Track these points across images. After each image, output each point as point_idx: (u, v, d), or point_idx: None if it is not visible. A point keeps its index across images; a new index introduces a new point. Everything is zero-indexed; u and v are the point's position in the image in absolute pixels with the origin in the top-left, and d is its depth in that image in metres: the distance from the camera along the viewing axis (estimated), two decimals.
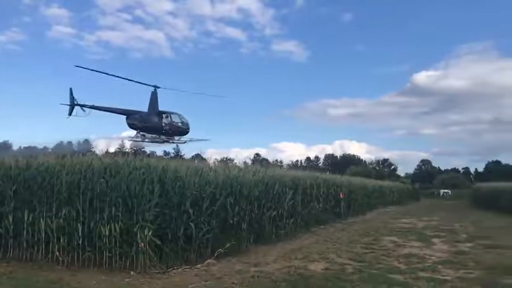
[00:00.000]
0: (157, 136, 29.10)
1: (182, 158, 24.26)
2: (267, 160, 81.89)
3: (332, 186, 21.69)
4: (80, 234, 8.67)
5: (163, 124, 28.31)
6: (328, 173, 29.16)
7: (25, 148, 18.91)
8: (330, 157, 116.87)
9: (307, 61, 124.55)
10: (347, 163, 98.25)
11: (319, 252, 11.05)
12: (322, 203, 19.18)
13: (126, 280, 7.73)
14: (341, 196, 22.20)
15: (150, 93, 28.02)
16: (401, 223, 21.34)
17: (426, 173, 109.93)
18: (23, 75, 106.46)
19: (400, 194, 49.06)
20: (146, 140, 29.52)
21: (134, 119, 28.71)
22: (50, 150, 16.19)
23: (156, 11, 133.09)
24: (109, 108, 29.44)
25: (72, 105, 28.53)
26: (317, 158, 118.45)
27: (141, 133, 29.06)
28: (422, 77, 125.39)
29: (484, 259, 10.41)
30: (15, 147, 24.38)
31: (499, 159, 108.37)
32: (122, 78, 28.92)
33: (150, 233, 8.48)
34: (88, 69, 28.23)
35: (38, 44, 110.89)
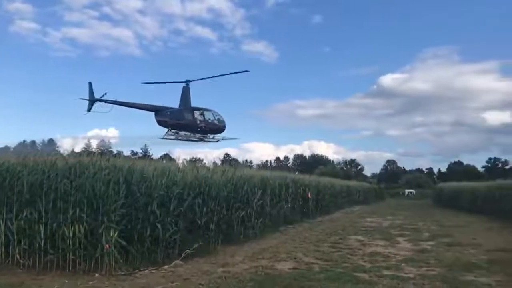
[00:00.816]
0: (192, 134, 27.82)
1: (150, 158, 23.90)
2: (236, 160, 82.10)
3: (301, 186, 21.95)
4: (42, 236, 8.36)
5: (198, 122, 27.18)
6: (297, 173, 29.35)
7: None
8: (299, 157, 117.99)
9: (277, 62, 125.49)
10: (315, 163, 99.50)
11: (287, 252, 11.15)
12: (290, 203, 19.37)
13: (90, 283, 7.56)
14: (309, 196, 22.47)
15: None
16: (367, 222, 21.83)
17: (391, 173, 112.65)
18: None
19: (366, 194, 50.12)
20: (180, 138, 28.18)
21: (164, 115, 27.02)
22: (12, 150, 15.60)
23: (125, 8, 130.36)
24: (135, 103, 27.61)
25: (92, 100, 26.65)
26: (286, 158, 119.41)
27: (172, 130, 27.50)
28: (388, 80, 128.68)
29: (445, 256, 10.81)
30: None
31: (460, 159, 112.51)
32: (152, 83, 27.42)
33: (116, 234, 8.32)
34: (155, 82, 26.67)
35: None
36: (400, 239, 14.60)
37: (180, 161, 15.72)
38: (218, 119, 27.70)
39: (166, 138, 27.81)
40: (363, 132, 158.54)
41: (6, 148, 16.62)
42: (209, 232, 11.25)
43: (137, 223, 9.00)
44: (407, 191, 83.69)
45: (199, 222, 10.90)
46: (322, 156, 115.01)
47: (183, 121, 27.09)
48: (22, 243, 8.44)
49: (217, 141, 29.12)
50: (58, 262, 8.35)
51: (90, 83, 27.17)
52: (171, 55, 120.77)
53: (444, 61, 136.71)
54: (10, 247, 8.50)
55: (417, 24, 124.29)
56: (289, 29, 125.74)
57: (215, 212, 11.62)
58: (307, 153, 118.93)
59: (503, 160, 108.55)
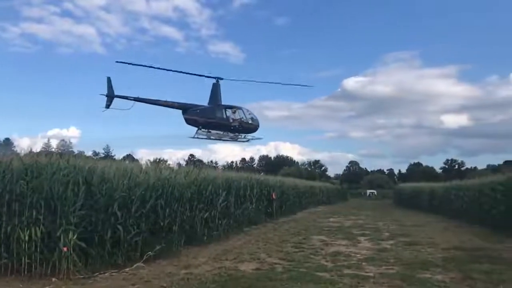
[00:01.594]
0: (225, 133, 26.67)
1: (113, 159, 23.30)
2: (201, 161, 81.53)
3: (266, 187, 22.05)
4: None
5: (231, 120, 26.03)
6: (262, 174, 29.41)
7: None
8: (264, 158, 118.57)
9: (243, 63, 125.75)
10: (280, 164, 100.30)
11: (251, 253, 11.18)
12: (255, 203, 19.41)
13: (47, 287, 7.32)
14: (273, 196, 22.61)
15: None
16: (329, 222, 22.20)
17: (354, 174, 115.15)
18: None
19: (330, 194, 50.95)
20: (212, 137, 27.11)
21: (194, 113, 25.89)
22: None
23: (87, 5, 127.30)
24: (159, 101, 26.31)
25: (111, 97, 25.31)
26: (252, 159, 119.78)
27: (202, 129, 26.29)
28: (351, 83, 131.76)
29: (404, 255, 11.11)
30: None
31: (420, 161, 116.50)
32: (174, 71, 26.20)
33: (74, 236, 8.08)
34: (129, 63, 24.99)
35: None
36: (361, 238, 14.93)
37: (143, 161, 15.48)
38: (252, 118, 26.64)
39: (197, 138, 26.77)
40: (327, 133, 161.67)
41: None
42: (172, 233, 11.12)
43: (97, 225, 8.78)
44: (368, 191, 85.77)
45: (161, 223, 10.76)
46: (287, 157, 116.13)
47: (215, 119, 25.98)
48: None
49: (247, 141, 28.03)
50: (13, 266, 8.02)
51: (108, 78, 25.76)
52: (136, 54, 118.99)
53: (406, 65, 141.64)
54: None
55: (380, 28, 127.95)
56: (255, 30, 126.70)
57: (178, 213, 11.51)
58: (272, 154, 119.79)
59: (459, 161, 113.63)
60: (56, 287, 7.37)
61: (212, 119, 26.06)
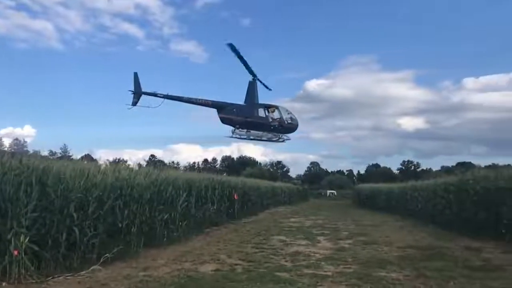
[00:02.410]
0: (265, 133, 25.68)
1: (70, 159, 22.53)
2: (163, 162, 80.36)
3: (227, 187, 21.98)
4: None
5: (270, 120, 25.09)
6: (224, 174, 29.28)
7: None
8: (227, 159, 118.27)
9: (206, 62, 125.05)
10: (243, 165, 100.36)
11: (211, 254, 11.14)
12: (216, 204, 19.33)
13: None
14: (235, 197, 22.60)
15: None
16: (290, 222, 22.44)
17: (315, 175, 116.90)
18: None
19: (291, 195, 51.45)
20: (251, 137, 26.07)
21: (230, 112, 24.92)
22: None
23: (45, 0, 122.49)
24: (191, 98, 25.12)
25: (139, 93, 23.92)
26: (214, 160, 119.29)
27: (239, 129, 25.25)
28: (313, 85, 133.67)
29: (361, 254, 11.41)
30: None
31: (378, 162, 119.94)
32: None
33: (26, 239, 7.76)
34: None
35: None
36: (320, 238, 15.19)
37: (102, 162, 15.08)
38: (291, 117, 25.88)
39: (235, 137, 25.95)
40: (289, 134, 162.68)
41: None
42: (131, 235, 10.91)
43: (51, 227, 8.45)
44: (328, 192, 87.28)
45: (120, 225, 10.53)
46: (250, 157, 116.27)
47: (253, 118, 25.15)
48: None
49: (283, 141, 27.28)
50: None
51: (135, 74, 24.37)
52: (96, 51, 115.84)
53: (365, 69, 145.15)
54: None
55: (342, 30, 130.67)
56: (219, 30, 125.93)
57: (137, 214, 11.30)
58: (235, 155, 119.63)
59: (415, 163, 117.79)
60: None
61: (250, 118, 25.29)
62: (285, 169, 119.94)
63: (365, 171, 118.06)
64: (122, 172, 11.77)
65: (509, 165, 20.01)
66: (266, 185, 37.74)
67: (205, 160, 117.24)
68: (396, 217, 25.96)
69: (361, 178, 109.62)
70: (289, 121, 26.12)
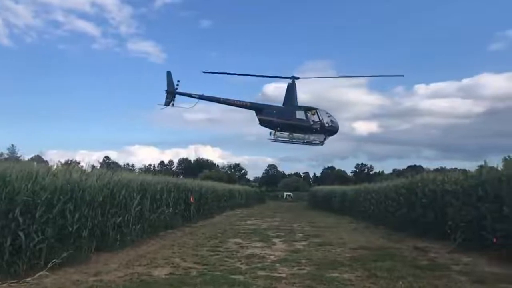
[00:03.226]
0: (308, 136, 25.00)
1: (18, 160, 21.53)
2: (117, 163, 78.47)
3: (183, 190, 21.78)
4: None
5: (311, 122, 24.42)
6: (181, 177, 28.99)
7: None
8: (184, 161, 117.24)
9: (164, 62, 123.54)
10: (200, 167, 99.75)
11: (165, 257, 10.98)
12: (172, 207, 19.09)
13: None
14: (191, 200, 22.43)
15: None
16: (247, 224, 22.51)
17: (272, 177, 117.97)
18: None
19: (248, 197, 51.70)
20: (294, 140, 25.16)
21: (269, 114, 24.16)
22: None
23: None
24: (228, 99, 24.30)
25: (172, 93, 22.97)
26: (171, 162, 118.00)
27: (280, 131, 24.41)
28: (272, 88, 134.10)
29: (315, 256, 11.61)
30: None
31: (333, 165, 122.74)
32: (249, 75, 23.62)
33: None
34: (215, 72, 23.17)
35: None
36: (276, 240, 15.33)
37: (53, 163, 14.50)
38: (331, 120, 25.45)
39: (275, 140, 25.09)
40: (247, 137, 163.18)
41: None
42: (82, 239, 10.57)
43: None
44: (285, 194, 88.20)
45: (70, 229, 10.16)
46: (207, 160, 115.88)
47: (293, 121, 24.52)
48: None
49: (321, 144, 26.54)
50: None
51: (168, 72, 23.22)
52: (48, 48, 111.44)
53: (321, 74, 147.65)
54: None
55: (300, 35, 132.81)
56: (178, 31, 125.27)
57: (88, 218, 10.96)
58: (192, 157, 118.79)
59: (368, 165, 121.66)
60: None
61: (290, 120, 24.87)
62: (242, 171, 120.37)
63: (321, 173, 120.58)
64: (73, 174, 11.38)
65: (456, 168, 21.04)
66: (223, 187, 37.70)
67: (161, 162, 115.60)
68: (350, 219, 26.60)
69: (317, 180, 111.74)
70: (330, 124, 26.05)
